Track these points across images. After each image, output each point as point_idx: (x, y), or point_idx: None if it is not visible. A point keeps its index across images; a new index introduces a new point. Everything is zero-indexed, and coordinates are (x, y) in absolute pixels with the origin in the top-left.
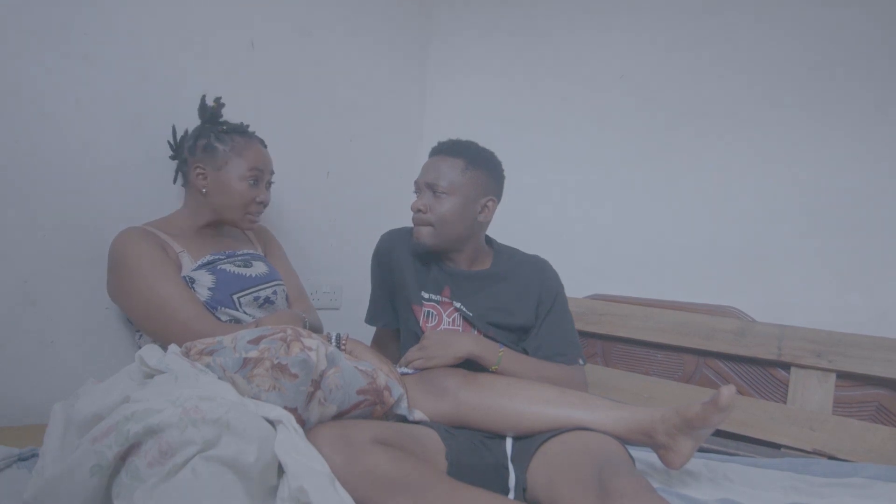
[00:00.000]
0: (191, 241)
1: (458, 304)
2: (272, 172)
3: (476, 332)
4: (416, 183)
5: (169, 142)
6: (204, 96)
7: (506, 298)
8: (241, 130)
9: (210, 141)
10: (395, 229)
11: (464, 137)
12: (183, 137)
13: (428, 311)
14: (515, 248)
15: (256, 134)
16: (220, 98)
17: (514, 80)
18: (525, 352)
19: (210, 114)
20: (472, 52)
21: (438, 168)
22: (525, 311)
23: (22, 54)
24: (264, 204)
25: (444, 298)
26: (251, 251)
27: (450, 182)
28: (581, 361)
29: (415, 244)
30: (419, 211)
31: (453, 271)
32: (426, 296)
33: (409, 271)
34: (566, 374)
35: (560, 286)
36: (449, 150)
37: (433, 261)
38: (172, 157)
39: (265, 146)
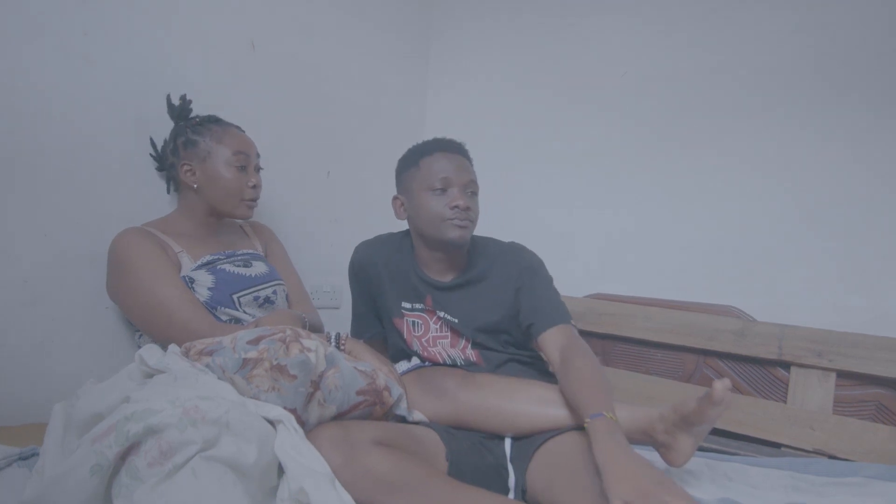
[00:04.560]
0: (190, 241)
1: (441, 314)
2: (258, 155)
3: (464, 341)
4: (448, 180)
5: (151, 154)
6: (168, 96)
7: (487, 298)
8: (214, 119)
9: (188, 136)
10: (369, 240)
11: (465, 137)
12: (164, 146)
13: (413, 321)
14: (490, 237)
15: (234, 123)
16: (185, 95)
17: (514, 80)
18: (529, 349)
19: (179, 111)
20: (472, 51)
21: (468, 169)
22: (508, 301)
23: (22, 54)
24: (257, 187)
25: (427, 307)
26: (251, 251)
27: (476, 183)
28: (573, 323)
29: (454, 237)
30: (468, 209)
31: (432, 282)
32: (408, 305)
33: (387, 284)
34: (593, 363)
35: (538, 263)
36: (462, 152)
37: (411, 270)
38: (159, 168)
39: (243, 131)
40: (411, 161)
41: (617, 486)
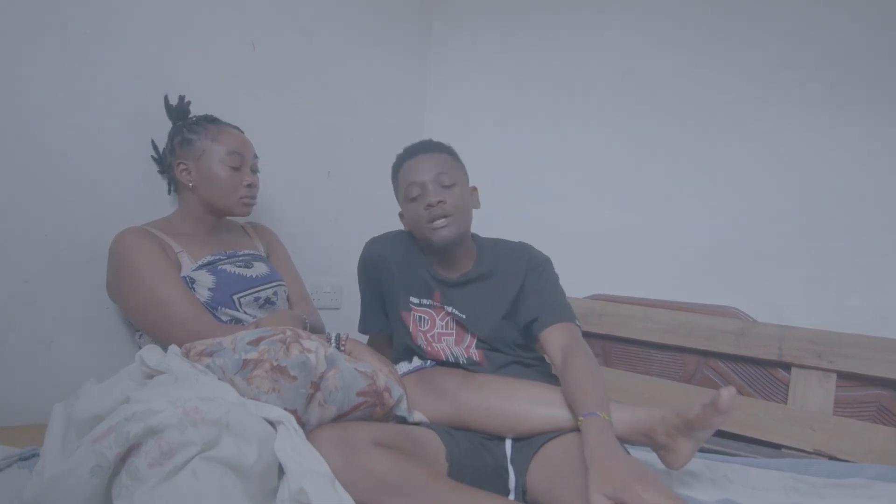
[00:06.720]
0: (191, 241)
1: (449, 309)
2: (255, 156)
3: (468, 339)
4: (415, 185)
5: (152, 156)
6: (166, 96)
7: (495, 295)
8: (210, 119)
9: (184, 135)
10: (379, 236)
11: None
12: (164, 148)
13: (420, 316)
14: (498, 238)
15: (233, 123)
16: (183, 96)
17: (515, 80)
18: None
19: (177, 111)
20: (473, 51)
21: (434, 163)
22: (514, 298)
23: (22, 54)
24: (253, 186)
25: (435, 303)
26: (252, 252)
27: (450, 173)
28: (577, 323)
29: (439, 240)
30: (440, 203)
31: (441, 278)
32: (416, 300)
33: (396, 278)
34: (591, 364)
35: (545, 260)
36: (428, 148)
37: (421, 266)
38: (161, 172)
39: (241, 131)
40: (393, 176)
41: (597, 479)
